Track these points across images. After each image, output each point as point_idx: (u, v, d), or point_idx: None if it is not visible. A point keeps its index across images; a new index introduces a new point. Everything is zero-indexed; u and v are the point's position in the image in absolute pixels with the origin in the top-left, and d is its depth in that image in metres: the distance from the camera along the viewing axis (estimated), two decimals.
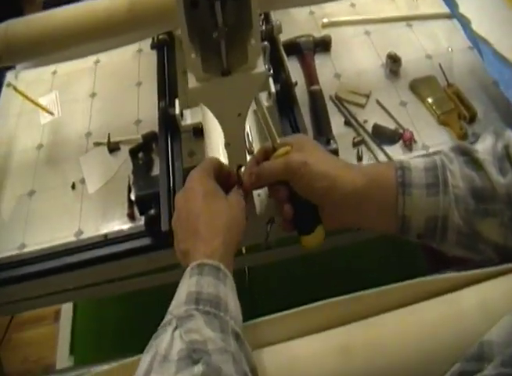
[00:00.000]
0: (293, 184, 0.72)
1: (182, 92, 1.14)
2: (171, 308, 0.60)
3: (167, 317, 0.59)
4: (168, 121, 1.06)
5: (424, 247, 1.87)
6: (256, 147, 0.83)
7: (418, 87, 1.18)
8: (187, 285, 0.60)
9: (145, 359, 0.55)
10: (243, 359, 0.55)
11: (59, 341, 1.85)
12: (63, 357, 1.79)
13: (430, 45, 1.28)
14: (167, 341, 0.54)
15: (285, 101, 1.08)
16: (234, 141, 0.72)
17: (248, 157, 0.78)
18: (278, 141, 0.74)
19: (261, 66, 0.64)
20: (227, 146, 0.73)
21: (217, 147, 0.91)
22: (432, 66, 1.23)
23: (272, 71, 1.01)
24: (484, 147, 0.67)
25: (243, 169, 0.77)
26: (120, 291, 1.17)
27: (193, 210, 0.69)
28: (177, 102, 1.06)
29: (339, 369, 0.57)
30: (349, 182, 0.68)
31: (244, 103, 0.68)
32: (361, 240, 1.20)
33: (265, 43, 0.68)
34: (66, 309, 1.95)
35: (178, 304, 0.59)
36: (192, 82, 0.64)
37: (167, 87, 1.14)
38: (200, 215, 0.68)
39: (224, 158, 0.90)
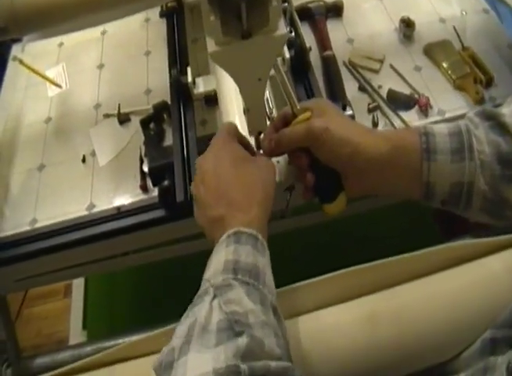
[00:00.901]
0: (314, 151, 0.69)
1: (193, 60, 1.12)
2: (206, 275, 0.57)
3: (204, 285, 0.56)
4: (180, 90, 1.04)
5: (437, 216, 1.86)
6: (276, 113, 0.80)
7: (433, 51, 1.16)
8: (224, 253, 0.57)
9: (182, 327, 0.53)
10: (282, 334, 0.53)
11: (71, 316, 1.86)
12: (75, 332, 1.80)
13: (443, 9, 1.25)
14: (206, 310, 0.52)
15: (299, 67, 1.06)
16: (254, 106, 0.70)
17: (268, 123, 0.76)
18: (298, 107, 0.72)
19: (283, 29, 0.61)
20: (246, 111, 0.71)
21: (232, 115, 0.89)
22: (446, 30, 1.20)
23: (293, 34, 0.98)
24: (510, 111, 0.65)
25: (262, 136, 0.75)
26: (133, 264, 1.15)
27: (224, 175, 0.66)
28: (189, 70, 1.03)
29: (366, 337, 0.56)
30: (373, 148, 0.66)
31: (265, 67, 0.66)
32: (375, 207, 1.18)
33: (285, 4, 0.66)
34: (78, 283, 1.95)
35: (215, 272, 0.56)
36: (211, 46, 0.62)
37: (178, 55, 1.12)
38: (233, 181, 0.65)
39: (239, 127, 0.88)
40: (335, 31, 1.24)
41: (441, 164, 0.64)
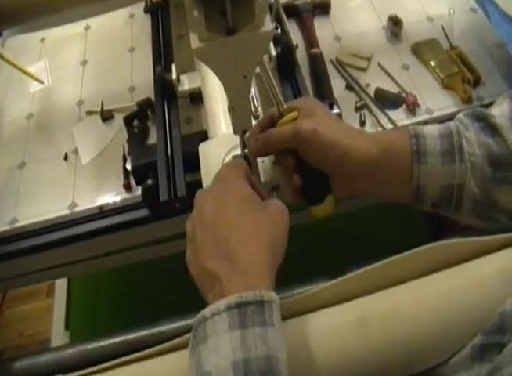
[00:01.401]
0: (301, 152, 0.67)
1: (178, 57, 1.10)
2: (209, 367, 0.48)
3: None
4: (164, 87, 1.02)
5: (427, 218, 1.86)
6: (261, 112, 0.79)
7: (420, 50, 1.15)
8: (229, 345, 0.47)
9: None
10: None
11: (54, 317, 1.83)
12: (58, 332, 1.77)
13: (431, 8, 1.25)
14: None
15: (286, 65, 1.04)
16: (239, 105, 0.68)
17: (254, 122, 0.74)
18: (284, 106, 0.70)
19: (269, 25, 0.59)
20: (231, 109, 0.69)
21: (217, 113, 0.88)
22: (434, 28, 1.20)
23: (279, 30, 0.96)
24: (500, 112, 0.64)
25: (247, 134, 0.73)
26: (116, 265, 1.14)
27: (227, 220, 0.56)
28: (173, 67, 1.01)
29: (357, 342, 0.54)
30: (362, 151, 0.65)
31: (250, 64, 0.64)
32: (365, 206, 1.17)
33: (272, 0, 0.64)
34: (61, 283, 1.92)
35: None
36: (194, 42, 0.60)
37: (163, 52, 1.10)
38: (237, 230, 0.55)
39: (224, 125, 0.87)
40: (322, 29, 1.22)
41: (431, 167, 0.63)
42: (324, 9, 1.26)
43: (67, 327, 1.80)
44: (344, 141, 0.65)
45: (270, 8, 0.63)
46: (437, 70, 1.10)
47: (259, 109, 0.75)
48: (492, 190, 0.62)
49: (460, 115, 0.67)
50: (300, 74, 1.04)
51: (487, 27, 1.16)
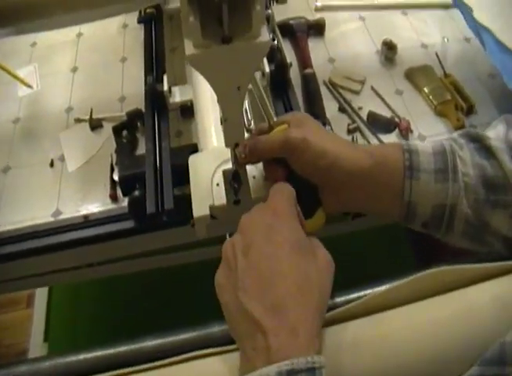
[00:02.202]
0: (291, 162, 0.66)
1: (170, 69, 1.09)
2: None
3: None
4: (155, 98, 1.00)
5: (414, 243, 1.86)
6: (253, 125, 0.78)
7: (414, 76, 1.15)
8: None
9: None
10: None
11: (32, 328, 1.79)
12: (36, 344, 1.73)
13: (425, 35, 1.26)
14: None
15: (279, 82, 1.04)
16: (232, 116, 0.66)
17: (246, 135, 0.73)
18: (274, 119, 0.69)
19: (266, 35, 0.58)
20: (223, 121, 0.67)
21: (208, 126, 0.87)
22: (428, 55, 1.21)
23: (276, 42, 0.96)
24: (496, 134, 0.64)
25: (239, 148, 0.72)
26: (99, 276, 1.11)
27: (276, 265, 0.52)
28: (165, 78, 1.00)
29: (349, 364, 0.53)
30: (353, 161, 0.63)
31: (245, 75, 0.63)
32: (351, 231, 1.16)
33: (269, 11, 0.63)
34: (41, 293, 1.89)
35: None
36: (189, 49, 0.58)
37: (155, 62, 1.09)
38: (286, 280, 0.51)
39: (215, 138, 0.85)
40: (316, 50, 1.23)
41: (423, 184, 0.62)
42: (318, 31, 1.27)
43: (46, 338, 1.76)
44: (333, 150, 0.64)
45: (268, 19, 0.62)
46: (430, 97, 1.10)
47: (252, 122, 0.73)
48: (484, 213, 0.61)
49: (455, 135, 0.66)
50: (293, 92, 1.04)
51: (480, 57, 1.17)
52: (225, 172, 0.76)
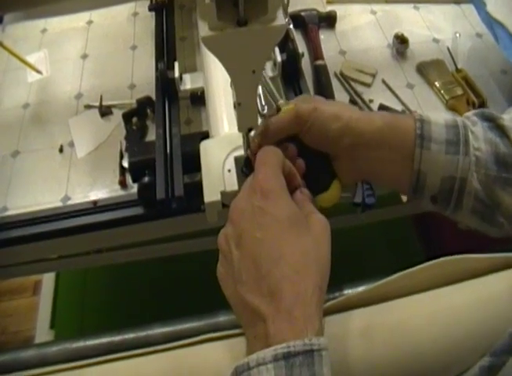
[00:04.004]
0: (303, 135, 0.65)
1: (180, 58, 1.09)
2: None
3: None
4: (166, 84, 1.00)
5: (423, 240, 1.86)
6: (267, 110, 0.77)
7: (426, 70, 1.15)
8: None
9: None
10: None
11: (39, 314, 1.79)
12: (42, 331, 1.73)
13: (436, 30, 1.26)
14: None
15: (291, 72, 1.03)
16: (246, 101, 0.65)
17: (259, 120, 0.72)
18: (281, 101, 0.69)
19: (282, 19, 0.57)
20: (237, 106, 0.66)
21: (220, 113, 0.86)
22: (439, 50, 1.20)
23: (291, 26, 0.95)
24: (510, 117, 0.63)
25: (252, 133, 0.71)
26: (107, 263, 1.11)
27: (269, 250, 0.50)
28: (176, 64, 1.00)
29: (360, 353, 0.52)
30: (365, 122, 0.63)
31: (260, 59, 0.61)
32: (357, 224, 1.16)
33: None
34: (48, 280, 1.88)
35: None
36: (204, 31, 0.57)
37: (166, 50, 1.08)
38: (280, 263, 0.49)
39: (227, 125, 0.85)
40: (327, 42, 1.23)
41: (434, 154, 0.60)
42: (330, 23, 1.27)
43: (52, 325, 1.76)
44: (345, 113, 0.63)
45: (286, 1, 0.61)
46: (442, 91, 1.09)
47: (266, 108, 0.73)
48: (495, 191, 0.60)
49: (468, 113, 0.66)
50: (304, 82, 1.03)
51: (492, 53, 1.17)
52: (237, 159, 0.76)
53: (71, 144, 1.05)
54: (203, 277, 1.68)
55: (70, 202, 0.96)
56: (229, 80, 0.66)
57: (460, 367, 0.54)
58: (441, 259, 0.57)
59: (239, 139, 0.74)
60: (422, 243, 1.87)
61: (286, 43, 1.03)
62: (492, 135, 0.61)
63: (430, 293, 0.57)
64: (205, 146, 0.79)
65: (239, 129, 0.69)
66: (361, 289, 0.57)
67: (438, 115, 0.64)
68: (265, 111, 0.69)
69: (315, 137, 0.64)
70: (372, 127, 0.62)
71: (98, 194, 0.97)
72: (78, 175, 1.00)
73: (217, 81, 0.90)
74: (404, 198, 1.79)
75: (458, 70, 1.14)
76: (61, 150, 1.04)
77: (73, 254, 1.01)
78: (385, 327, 0.54)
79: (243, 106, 0.66)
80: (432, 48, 1.21)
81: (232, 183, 0.74)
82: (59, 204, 0.96)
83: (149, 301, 1.66)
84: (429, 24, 1.27)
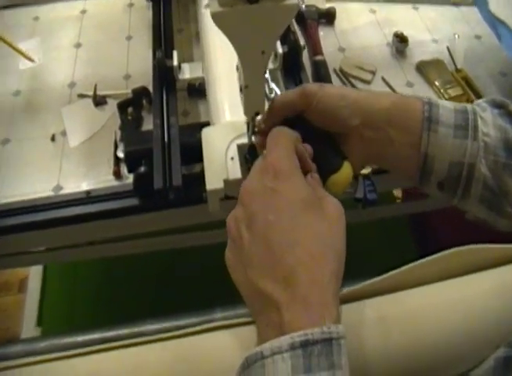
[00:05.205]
0: (310, 113, 0.62)
1: (178, 50, 1.06)
2: None
3: None
4: (164, 73, 0.97)
5: (414, 231, 1.85)
6: (275, 93, 0.74)
7: (425, 69, 1.14)
8: None
9: None
10: None
11: (25, 311, 1.74)
12: (29, 328, 1.68)
13: (436, 30, 1.25)
14: None
15: (292, 65, 1.01)
16: (254, 83, 0.63)
17: (266, 105, 0.69)
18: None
19: None
20: (244, 88, 0.64)
21: (221, 101, 0.84)
22: (438, 50, 1.19)
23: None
24: None
25: (259, 117, 0.68)
26: (100, 256, 1.08)
27: (283, 234, 0.48)
28: (175, 53, 0.97)
29: (375, 340, 0.50)
30: (373, 100, 0.62)
31: (270, 39, 0.59)
32: (357, 221, 1.14)
33: None
34: (35, 276, 1.83)
35: None
36: (214, 6, 0.55)
37: (164, 39, 1.06)
38: (295, 248, 0.47)
39: (228, 113, 0.83)
40: (326, 39, 1.21)
41: (442, 137, 0.59)
42: (329, 20, 1.26)
43: (40, 323, 1.71)
44: (352, 92, 0.62)
45: None
46: (441, 90, 1.08)
47: (273, 91, 0.70)
48: (504, 178, 0.58)
49: (478, 100, 0.64)
50: (305, 75, 1.01)
51: (491, 54, 1.17)
52: (240, 146, 0.73)
53: (64, 133, 1.02)
54: (199, 272, 1.66)
55: (62, 192, 0.93)
56: (235, 64, 0.64)
57: (475, 358, 0.52)
58: (454, 249, 0.55)
59: (241, 127, 0.72)
60: (416, 241, 1.87)
61: (287, 35, 1.01)
62: (502, 122, 0.59)
63: (445, 283, 0.55)
64: (207, 134, 0.77)
65: (246, 113, 0.67)
66: (373, 280, 0.54)
67: (445, 101, 0.63)
68: (273, 95, 0.67)
69: (322, 115, 0.62)
70: (379, 106, 0.61)
71: (91, 185, 0.94)
72: (71, 165, 0.97)
73: (218, 69, 0.88)
74: (398, 194, 1.77)
75: (458, 70, 1.13)
76: (53, 139, 1.00)
77: (65, 246, 0.98)
78: (401, 316, 0.52)
79: (250, 89, 0.64)
80: (431, 48, 1.20)
81: (235, 171, 0.72)
82: (51, 193, 0.93)
83: (142, 298, 1.60)
84: (428, 25, 1.26)
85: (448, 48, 1.18)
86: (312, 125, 0.63)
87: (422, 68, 1.14)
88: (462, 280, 0.55)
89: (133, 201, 0.90)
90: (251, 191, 0.52)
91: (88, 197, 0.91)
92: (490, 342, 0.51)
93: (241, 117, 0.70)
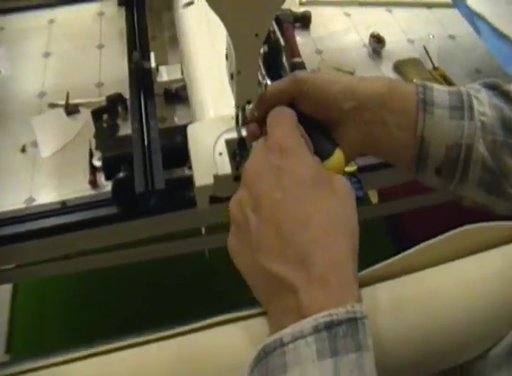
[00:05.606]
0: (301, 100, 0.60)
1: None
2: None
3: None
4: (141, 76, 0.94)
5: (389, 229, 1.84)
6: (268, 81, 0.71)
7: (403, 68, 1.14)
8: (318, 375, 0.37)
9: None
10: None
11: None
12: None
13: (410, 31, 1.26)
14: None
15: (272, 64, 0.98)
16: (246, 68, 0.60)
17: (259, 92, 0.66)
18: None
19: None
20: (236, 75, 0.61)
21: (205, 99, 0.80)
22: (414, 50, 1.20)
23: None
24: None
25: (250, 107, 0.64)
26: (76, 270, 1.02)
27: (292, 213, 0.44)
28: (152, 55, 0.94)
29: (391, 325, 0.47)
30: (366, 85, 0.59)
31: (264, 21, 0.57)
32: None
33: None
34: (2, 298, 1.74)
35: None
36: None
37: (139, 41, 1.02)
38: (308, 226, 0.43)
39: (213, 112, 0.79)
40: (303, 42, 1.20)
41: (437, 119, 0.56)
42: (304, 23, 1.25)
43: (9, 350, 1.62)
44: (344, 77, 0.61)
45: None
46: None
47: (266, 78, 0.67)
48: (502, 157, 0.56)
49: (471, 84, 0.62)
50: (286, 75, 0.98)
51: (466, 53, 1.18)
52: (228, 142, 0.70)
53: (34, 144, 0.97)
54: (181, 285, 1.60)
55: (35, 203, 0.87)
56: (215, 63, 0.60)
57: (494, 337, 0.50)
58: (464, 228, 0.52)
59: (227, 122, 0.70)
60: (391, 237, 1.88)
61: (267, 35, 0.98)
62: (497, 101, 0.58)
63: (458, 262, 0.52)
64: (193, 130, 0.73)
65: (237, 102, 0.63)
66: (380, 264, 0.51)
67: (438, 85, 0.61)
68: (266, 81, 0.63)
69: (314, 101, 0.60)
70: (374, 89, 0.59)
71: (66, 195, 0.89)
72: (43, 176, 0.92)
73: (199, 68, 0.85)
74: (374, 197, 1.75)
75: (435, 68, 1.14)
76: (23, 150, 0.95)
77: (38, 262, 0.92)
78: (415, 298, 0.49)
79: (242, 75, 0.61)
80: (407, 48, 1.20)
81: (224, 167, 0.68)
82: (23, 206, 0.87)
83: (126, 313, 1.54)
84: (402, 26, 1.27)
85: (424, 47, 1.18)
86: (303, 113, 0.60)
87: (400, 67, 1.14)
88: (475, 259, 0.52)
89: (112, 210, 0.86)
90: (256, 171, 0.48)
91: (64, 207, 0.86)
92: (509, 319, 0.49)
93: (226, 113, 0.68)
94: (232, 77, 0.62)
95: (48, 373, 0.45)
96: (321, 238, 0.43)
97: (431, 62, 1.15)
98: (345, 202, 0.46)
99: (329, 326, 0.38)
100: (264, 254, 0.44)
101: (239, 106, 0.64)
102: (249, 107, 0.64)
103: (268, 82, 0.64)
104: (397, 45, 1.20)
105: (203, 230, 1.11)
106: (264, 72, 0.65)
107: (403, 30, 1.25)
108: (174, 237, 1.02)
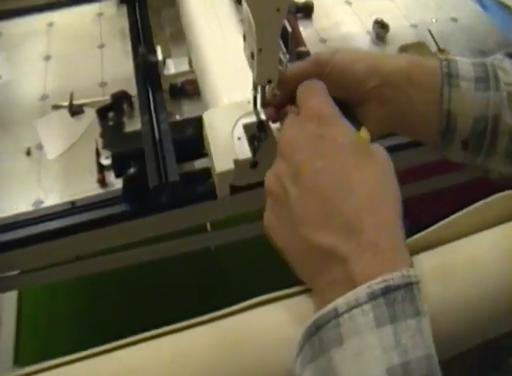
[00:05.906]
0: (324, 80, 0.56)
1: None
2: None
3: None
4: (148, 69, 0.92)
5: None
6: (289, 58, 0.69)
7: (409, 52, 1.12)
8: (379, 347, 0.35)
9: None
10: None
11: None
12: (5, 367, 1.56)
13: (412, 16, 1.25)
14: None
15: None
16: (267, 45, 0.57)
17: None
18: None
19: None
20: (257, 53, 0.58)
21: (218, 87, 0.78)
22: (419, 34, 1.19)
23: None
24: None
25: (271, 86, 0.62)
26: (88, 272, 0.99)
27: (336, 181, 0.42)
28: (158, 48, 0.91)
29: (435, 293, 0.44)
30: (390, 61, 0.59)
31: None
32: None
33: None
34: (8, 304, 1.71)
35: None
36: None
37: (143, 36, 1.00)
38: (353, 193, 0.41)
39: (226, 99, 0.77)
40: (306, 31, 1.18)
41: (463, 91, 0.56)
42: (307, 13, 1.24)
43: (16, 360, 1.59)
44: (367, 55, 0.61)
45: None
46: None
47: (287, 56, 0.65)
48: None
49: (494, 55, 0.61)
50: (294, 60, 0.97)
51: (469, 35, 1.18)
52: (246, 126, 0.67)
53: (39, 146, 0.94)
54: (188, 283, 1.55)
55: (43, 205, 0.85)
56: (233, 40, 0.58)
57: None
58: (506, 192, 0.50)
59: (243, 107, 0.68)
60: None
61: None
62: None
63: (501, 227, 0.50)
64: (209, 117, 0.70)
65: (258, 81, 0.61)
66: (417, 236, 0.49)
67: (462, 57, 0.60)
68: (287, 58, 0.61)
69: (336, 83, 0.58)
70: (398, 64, 0.59)
71: (74, 196, 0.86)
72: (50, 178, 0.90)
73: (210, 56, 0.82)
74: None
75: (441, 50, 1.13)
76: (28, 153, 0.93)
77: (48, 266, 0.89)
78: (459, 265, 0.47)
79: (264, 53, 0.58)
80: (411, 32, 1.19)
81: (244, 151, 0.66)
82: (31, 208, 0.85)
83: (134, 323, 1.49)
84: (404, 12, 1.25)
85: (429, 30, 1.17)
86: None
87: (406, 52, 1.12)
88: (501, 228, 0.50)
89: (122, 207, 0.83)
90: (293, 141, 0.46)
91: (74, 208, 0.83)
92: None
93: (240, 99, 0.68)
94: (252, 56, 0.60)
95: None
96: (368, 204, 0.41)
97: (436, 44, 1.13)
98: (387, 168, 0.44)
99: (386, 291, 0.36)
100: (307, 226, 0.41)
101: (259, 86, 0.62)
102: (270, 87, 0.62)
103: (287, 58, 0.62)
104: (400, 30, 1.19)
105: (209, 226, 1.09)
106: (284, 50, 0.63)
107: (405, 16, 1.24)
108: (180, 235, 0.99)
